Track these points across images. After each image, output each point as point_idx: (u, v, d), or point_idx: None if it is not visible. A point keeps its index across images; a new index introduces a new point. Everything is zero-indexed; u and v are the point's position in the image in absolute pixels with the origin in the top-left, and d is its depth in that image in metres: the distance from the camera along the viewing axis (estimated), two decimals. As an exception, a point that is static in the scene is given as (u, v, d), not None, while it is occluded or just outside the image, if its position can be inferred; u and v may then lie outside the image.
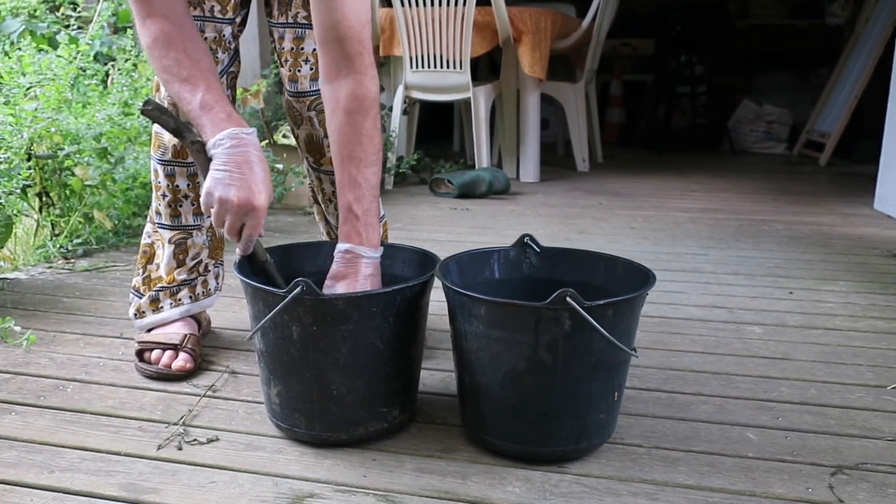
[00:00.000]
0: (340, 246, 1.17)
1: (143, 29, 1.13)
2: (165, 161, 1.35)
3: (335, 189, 1.41)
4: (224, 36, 1.28)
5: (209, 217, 1.11)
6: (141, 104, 1.14)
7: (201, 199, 1.10)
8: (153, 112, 1.11)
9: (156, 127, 1.36)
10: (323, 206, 1.47)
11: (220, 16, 1.26)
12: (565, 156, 4.36)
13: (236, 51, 1.35)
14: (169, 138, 1.34)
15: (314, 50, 1.32)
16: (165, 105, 1.27)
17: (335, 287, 1.15)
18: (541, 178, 3.57)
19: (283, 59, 1.34)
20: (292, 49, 1.32)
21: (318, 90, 1.34)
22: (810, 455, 1.08)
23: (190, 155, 1.14)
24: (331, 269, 1.17)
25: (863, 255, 2.23)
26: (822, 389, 1.30)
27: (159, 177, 1.37)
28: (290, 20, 1.31)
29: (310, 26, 1.31)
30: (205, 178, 1.10)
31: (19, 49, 2.27)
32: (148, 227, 1.43)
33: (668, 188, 3.44)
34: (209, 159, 1.10)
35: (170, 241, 1.39)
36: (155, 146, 1.36)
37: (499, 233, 2.49)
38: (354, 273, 1.15)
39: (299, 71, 1.33)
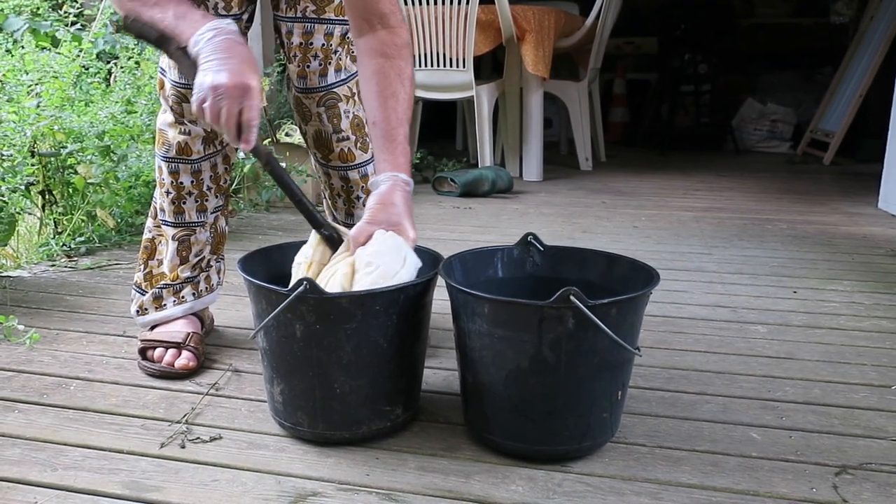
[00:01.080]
0: (396, 175, 1.16)
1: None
2: (169, 158, 1.35)
3: (343, 184, 1.42)
4: None
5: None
6: (122, 22, 1.11)
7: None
8: (133, 24, 1.09)
9: (159, 123, 1.36)
10: (331, 202, 1.47)
11: (223, 12, 1.25)
12: (568, 155, 4.36)
13: None
14: (173, 135, 1.34)
15: (323, 45, 1.32)
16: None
17: (395, 210, 1.14)
18: (544, 177, 3.57)
19: (291, 55, 1.34)
20: (301, 44, 1.32)
21: (327, 86, 1.35)
22: (814, 455, 1.08)
23: (177, 66, 1.10)
24: (383, 192, 1.15)
25: (867, 255, 2.22)
26: (826, 389, 1.30)
27: (163, 174, 1.37)
28: (299, 14, 1.31)
29: (319, 20, 1.31)
30: (194, 79, 1.05)
31: (22, 47, 2.27)
32: (149, 223, 1.43)
33: (671, 187, 3.44)
34: (195, 61, 1.06)
35: (173, 238, 1.39)
36: (159, 143, 1.36)
37: (502, 232, 2.49)
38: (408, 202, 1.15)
39: (308, 66, 1.33)
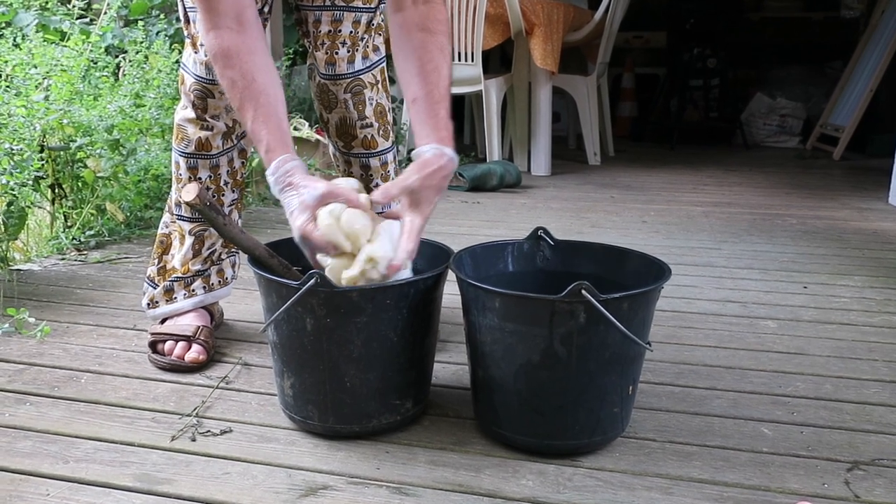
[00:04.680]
0: (441, 147, 1.11)
1: (207, 41, 1.12)
2: (188, 154, 1.35)
3: (363, 173, 1.43)
4: None
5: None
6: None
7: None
8: (201, 207, 1.09)
9: (178, 119, 1.36)
10: None
11: None
12: (577, 149, 4.35)
13: None
14: (193, 132, 1.34)
15: (351, 32, 1.34)
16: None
17: (425, 172, 1.09)
18: (552, 172, 3.56)
19: (318, 43, 1.35)
20: (329, 32, 1.33)
21: (355, 72, 1.36)
22: (826, 450, 1.07)
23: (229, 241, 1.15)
24: (423, 159, 1.10)
25: (878, 250, 2.21)
26: (837, 384, 1.29)
27: (181, 169, 1.37)
28: (328, 3, 1.32)
29: (348, 8, 1.32)
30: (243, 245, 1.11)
31: (30, 40, 2.27)
32: (166, 218, 1.44)
33: (680, 182, 3.43)
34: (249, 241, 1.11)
35: (190, 233, 1.39)
36: (178, 138, 1.36)
37: (510, 226, 2.49)
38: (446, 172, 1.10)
39: (337, 53, 1.34)
